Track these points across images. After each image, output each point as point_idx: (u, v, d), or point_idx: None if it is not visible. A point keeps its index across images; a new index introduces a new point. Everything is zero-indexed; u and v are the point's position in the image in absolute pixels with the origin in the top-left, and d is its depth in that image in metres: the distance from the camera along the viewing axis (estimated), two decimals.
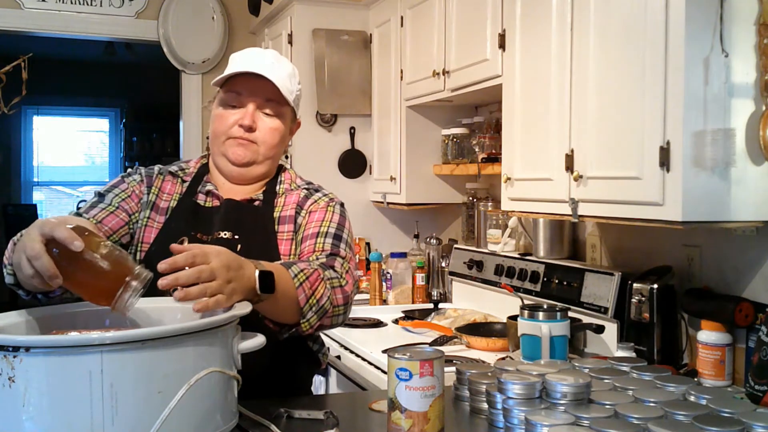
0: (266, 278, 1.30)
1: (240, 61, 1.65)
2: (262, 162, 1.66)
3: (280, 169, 1.76)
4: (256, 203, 1.66)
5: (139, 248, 1.58)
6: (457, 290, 3.15)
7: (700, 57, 1.63)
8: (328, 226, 1.62)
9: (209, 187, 1.67)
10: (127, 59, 6.99)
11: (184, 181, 1.69)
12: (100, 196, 1.61)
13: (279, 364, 1.58)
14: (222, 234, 1.58)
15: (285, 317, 1.42)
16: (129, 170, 1.70)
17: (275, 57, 1.67)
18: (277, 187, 1.70)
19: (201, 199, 1.66)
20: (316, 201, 1.68)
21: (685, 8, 1.61)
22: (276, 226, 1.63)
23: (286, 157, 3.74)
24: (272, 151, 1.67)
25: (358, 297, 3.39)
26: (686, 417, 1.28)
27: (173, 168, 1.72)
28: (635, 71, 1.75)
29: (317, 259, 1.55)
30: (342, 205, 1.71)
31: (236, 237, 1.58)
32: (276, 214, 1.65)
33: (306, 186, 1.73)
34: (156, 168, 1.71)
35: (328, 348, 2.79)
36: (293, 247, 1.62)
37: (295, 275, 1.40)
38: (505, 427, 1.34)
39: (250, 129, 1.63)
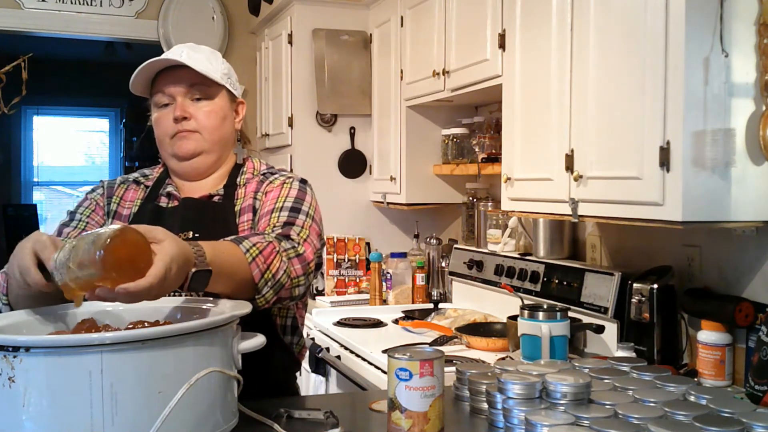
0: (200, 277, 1.23)
1: (152, 59, 1.62)
2: (211, 150, 1.63)
3: (245, 159, 1.72)
4: (216, 198, 1.63)
5: None
6: (457, 290, 3.15)
7: (700, 57, 1.63)
8: (284, 201, 1.58)
9: (169, 188, 1.66)
10: (127, 59, 6.96)
11: (147, 187, 1.69)
12: (71, 214, 1.64)
13: (250, 359, 1.48)
14: (183, 235, 1.53)
15: (240, 294, 1.36)
16: (93, 186, 1.72)
17: (188, 47, 1.64)
18: (238, 179, 1.67)
19: (162, 201, 1.65)
20: (271, 182, 1.64)
21: (685, 8, 1.61)
22: (237, 219, 1.60)
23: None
24: (216, 134, 1.63)
25: (358, 297, 3.40)
26: (686, 417, 1.27)
27: (135, 175, 1.72)
28: (635, 71, 1.75)
29: (272, 231, 1.50)
30: (303, 181, 1.65)
31: (197, 236, 1.54)
32: (237, 208, 1.62)
33: (266, 171, 1.69)
34: (118, 179, 1.72)
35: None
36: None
37: (247, 250, 1.36)
38: (505, 427, 1.34)
39: (184, 118, 1.60)
